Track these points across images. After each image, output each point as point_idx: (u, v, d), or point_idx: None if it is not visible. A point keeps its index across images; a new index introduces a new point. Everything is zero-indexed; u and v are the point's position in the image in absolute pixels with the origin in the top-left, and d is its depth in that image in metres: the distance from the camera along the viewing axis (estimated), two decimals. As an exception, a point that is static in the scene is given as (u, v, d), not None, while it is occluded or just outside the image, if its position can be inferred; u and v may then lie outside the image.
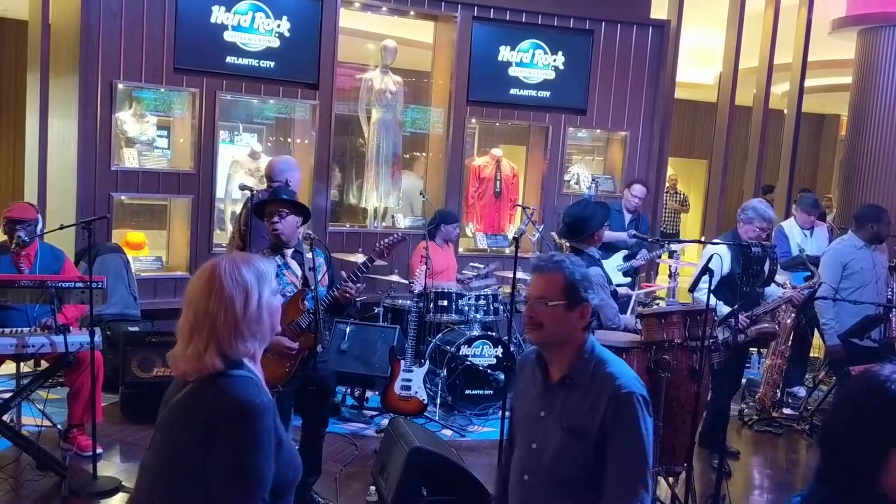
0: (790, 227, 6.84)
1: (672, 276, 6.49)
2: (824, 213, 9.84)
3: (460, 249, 7.45)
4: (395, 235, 4.51)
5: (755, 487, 5.20)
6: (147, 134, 6.60)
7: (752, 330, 4.75)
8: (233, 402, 1.81)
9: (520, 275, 5.82)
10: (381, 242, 4.42)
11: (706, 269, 4.00)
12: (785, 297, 5.01)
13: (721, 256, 4.56)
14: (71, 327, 4.39)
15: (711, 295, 4.23)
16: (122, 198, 6.40)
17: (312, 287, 3.88)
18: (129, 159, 6.41)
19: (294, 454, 1.96)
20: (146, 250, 6.81)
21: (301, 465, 1.97)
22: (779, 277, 5.34)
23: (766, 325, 4.84)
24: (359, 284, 4.27)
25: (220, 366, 1.85)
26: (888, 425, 1.57)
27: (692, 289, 4.53)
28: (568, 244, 4.73)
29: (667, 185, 11.06)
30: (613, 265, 6.47)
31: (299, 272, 4.03)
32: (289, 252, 4.04)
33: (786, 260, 6.37)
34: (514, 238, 4.94)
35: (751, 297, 4.83)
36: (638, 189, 6.98)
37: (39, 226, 4.67)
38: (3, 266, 4.57)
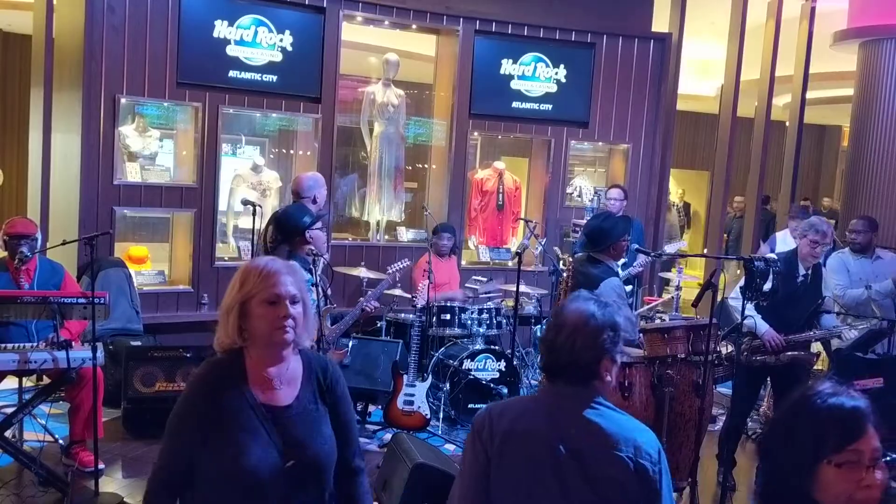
0: (784, 237, 6.84)
1: (676, 289, 6.47)
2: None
3: (463, 262, 7.44)
4: (403, 262, 4.83)
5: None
6: (150, 148, 6.62)
7: (786, 356, 4.65)
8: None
9: (522, 288, 5.83)
10: (392, 269, 4.59)
11: (709, 284, 3.99)
12: (835, 332, 4.91)
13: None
14: (73, 343, 4.38)
15: (753, 310, 4.19)
16: (125, 212, 6.41)
17: (334, 304, 3.91)
18: (132, 173, 6.42)
19: (244, 459, 2.02)
20: (148, 264, 6.80)
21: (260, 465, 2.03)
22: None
23: (802, 353, 4.72)
24: (375, 303, 4.41)
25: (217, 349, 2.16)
26: (815, 438, 1.58)
27: (695, 304, 4.52)
28: (570, 258, 4.73)
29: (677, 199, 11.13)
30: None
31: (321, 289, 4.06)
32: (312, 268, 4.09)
33: None
34: (516, 253, 4.94)
35: (793, 320, 4.71)
36: (612, 192, 6.94)
37: (40, 241, 4.68)
38: (3, 282, 4.57)
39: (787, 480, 1.61)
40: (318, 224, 4.19)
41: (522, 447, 2.04)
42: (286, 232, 4.15)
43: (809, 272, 4.82)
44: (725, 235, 10.18)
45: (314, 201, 5.05)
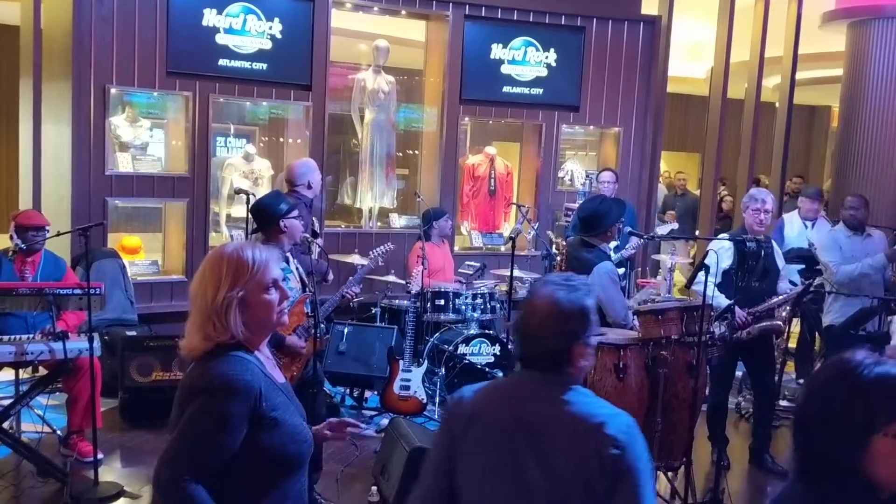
0: (790, 219, 6.88)
1: (669, 271, 6.51)
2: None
3: (456, 248, 7.46)
4: (387, 246, 4.83)
5: (754, 479, 5.23)
6: (141, 138, 6.61)
7: (756, 328, 4.72)
8: (211, 377, 1.98)
9: (516, 273, 5.85)
10: (374, 253, 4.57)
11: (703, 266, 4.02)
12: (791, 295, 5.00)
13: (717, 252, 4.52)
14: (70, 334, 4.39)
15: (715, 289, 4.24)
16: (117, 202, 6.40)
17: (312, 291, 3.89)
18: (124, 164, 6.41)
19: (299, 431, 2.08)
20: (142, 254, 6.80)
21: (311, 440, 2.12)
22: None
23: (768, 323, 4.81)
24: (356, 289, 4.37)
25: (201, 346, 2.02)
26: (868, 410, 1.53)
27: (689, 284, 4.56)
28: (563, 242, 4.75)
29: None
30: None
31: (297, 275, 4.04)
32: (290, 255, 4.05)
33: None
34: (510, 238, 4.97)
35: (754, 294, 4.81)
36: (604, 175, 6.99)
37: (48, 233, 4.72)
38: (7, 273, 4.59)
39: (835, 456, 1.55)
40: (294, 213, 4.09)
41: (484, 429, 1.98)
42: (262, 220, 4.05)
43: (765, 245, 4.92)
44: (661, 214, 10.03)
45: (309, 187, 5.02)
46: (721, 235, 5.50)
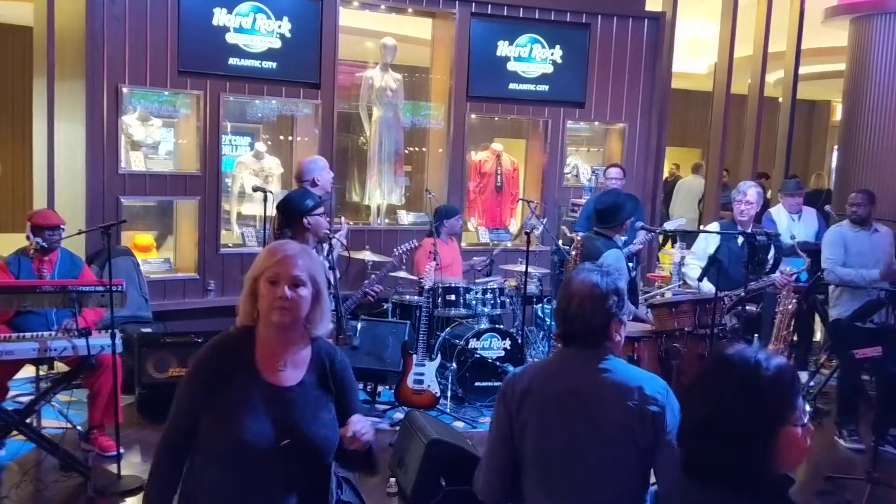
0: (777, 212, 6.95)
1: (678, 264, 6.59)
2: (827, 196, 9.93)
3: (463, 244, 7.53)
4: (412, 243, 4.70)
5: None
6: (153, 137, 6.67)
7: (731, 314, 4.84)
8: None
9: (524, 268, 5.92)
10: (399, 250, 4.60)
11: (714, 259, 4.09)
12: (768, 282, 5.11)
13: (707, 240, 4.78)
14: (91, 331, 4.46)
15: (703, 278, 4.39)
16: (130, 200, 6.45)
17: (334, 286, 3.96)
18: (136, 162, 6.47)
19: (240, 427, 2.08)
20: (154, 252, 6.87)
21: (258, 444, 2.08)
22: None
23: (754, 308, 4.93)
24: (379, 287, 4.43)
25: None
26: (781, 405, 1.61)
27: (700, 278, 4.64)
28: (578, 236, 4.82)
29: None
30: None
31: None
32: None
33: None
34: (525, 232, 5.06)
35: (735, 281, 4.93)
36: (612, 171, 7.07)
37: (64, 232, 4.77)
38: (26, 272, 4.65)
39: (743, 453, 1.61)
40: (320, 209, 4.20)
41: (539, 401, 2.23)
42: (288, 216, 4.17)
43: (774, 239, 5.14)
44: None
45: (314, 184, 5.05)
46: (711, 224, 5.83)
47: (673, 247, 7.38)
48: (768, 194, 10.32)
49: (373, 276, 4.79)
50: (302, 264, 2.15)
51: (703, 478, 1.65)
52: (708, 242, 5.26)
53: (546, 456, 2.21)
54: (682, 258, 5.63)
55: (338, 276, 4.03)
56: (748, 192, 5.27)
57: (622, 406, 2.16)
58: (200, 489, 2.16)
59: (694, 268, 5.37)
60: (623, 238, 5.50)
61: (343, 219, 6.21)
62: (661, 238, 9.30)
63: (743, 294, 4.79)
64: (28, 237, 4.76)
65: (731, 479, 1.62)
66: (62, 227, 4.83)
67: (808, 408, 1.69)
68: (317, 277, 2.17)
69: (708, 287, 4.83)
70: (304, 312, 2.15)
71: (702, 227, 5.81)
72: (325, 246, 4.40)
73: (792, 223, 6.82)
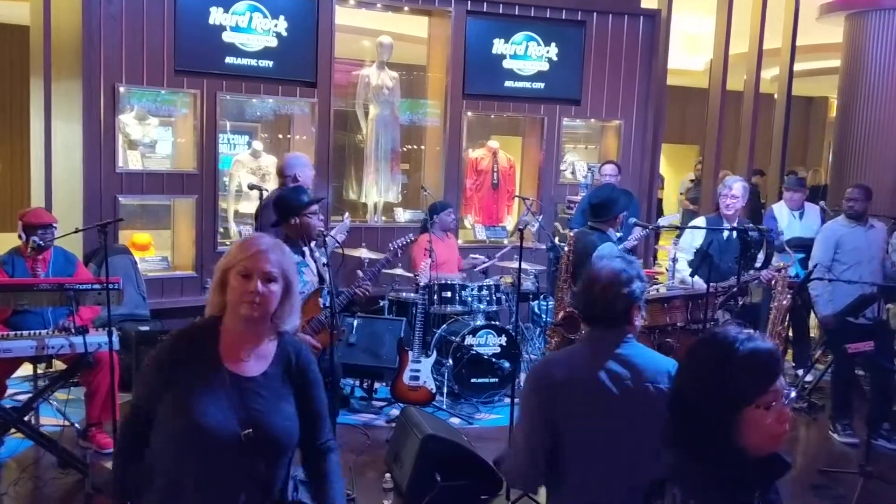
0: (780, 209, 6.96)
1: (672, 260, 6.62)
2: (824, 192, 9.95)
3: (460, 241, 7.55)
4: (407, 238, 4.66)
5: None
6: (150, 136, 6.69)
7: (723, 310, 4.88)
8: None
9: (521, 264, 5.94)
10: (394, 244, 4.58)
11: (706, 254, 4.12)
12: (752, 276, 5.14)
13: (693, 234, 4.84)
14: (89, 328, 4.49)
15: (695, 274, 4.43)
16: (128, 199, 6.48)
17: (328, 283, 3.98)
18: (133, 161, 6.49)
19: (197, 414, 2.06)
20: (152, 251, 6.89)
21: (217, 433, 2.07)
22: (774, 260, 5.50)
23: (736, 303, 4.97)
24: (368, 285, 4.42)
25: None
26: (746, 384, 1.66)
27: (693, 273, 4.67)
28: (571, 233, 4.85)
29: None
30: (606, 249, 6.59)
31: (314, 268, 4.13)
32: (307, 250, 4.13)
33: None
34: (519, 229, 5.07)
35: (728, 273, 4.99)
36: (607, 168, 7.10)
37: (57, 231, 4.79)
38: (20, 271, 4.67)
39: (709, 429, 1.67)
40: (314, 208, 4.16)
41: (579, 389, 2.33)
42: (281, 212, 4.13)
43: (767, 235, 5.22)
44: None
45: (295, 180, 5.01)
46: (697, 219, 5.89)
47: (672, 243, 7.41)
48: (765, 191, 10.40)
49: (360, 273, 4.77)
50: (274, 259, 2.15)
51: (672, 445, 1.74)
52: (694, 236, 5.37)
53: (594, 441, 2.31)
54: (675, 256, 5.66)
55: (314, 274, 4.03)
56: (734, 187, 5.34)
57: (650, 386, 2.29)
58: (160, 479, 2.13)
59: (681, 261, 5.42)
60: (618, 234, 5.54)
61: (347, 214, 6.23)
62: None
63: (735, 288, 4.83)
64: (20, 236, 4.78)
65: (693, 449, 1.69)
66: (54, 225, 4.82)
67: (792, 394, 1.70)
68: (288, 273, 2.17)
69: (699, 282, 4.86)
70: (273, 307, 2.15)
71: (689, 224, 5.84)
72: (330, 242, 4.38)
73: (793, 220, 6.84)
